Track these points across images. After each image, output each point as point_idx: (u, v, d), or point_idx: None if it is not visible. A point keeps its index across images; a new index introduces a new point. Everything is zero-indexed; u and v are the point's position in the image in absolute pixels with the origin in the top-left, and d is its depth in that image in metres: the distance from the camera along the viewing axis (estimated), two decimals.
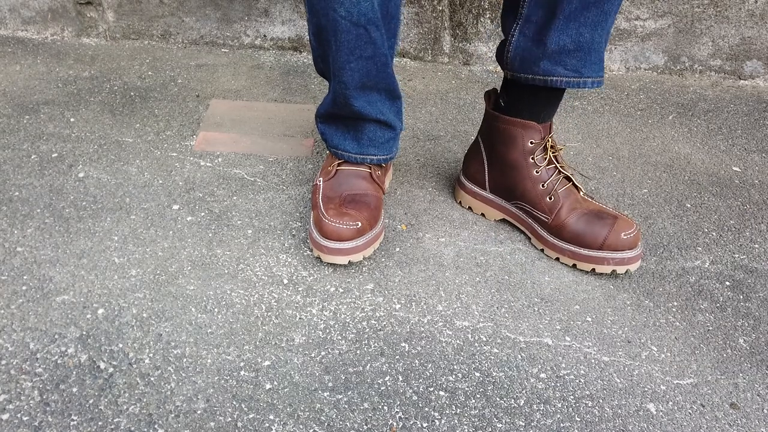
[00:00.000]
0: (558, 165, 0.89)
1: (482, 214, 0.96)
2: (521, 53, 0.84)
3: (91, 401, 0.66)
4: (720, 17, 1.36)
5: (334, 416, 0.67)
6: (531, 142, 0.88)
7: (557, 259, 0.88)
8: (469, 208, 0.97)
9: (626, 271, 0.85)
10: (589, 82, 0.82)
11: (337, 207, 0.84)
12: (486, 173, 0.94)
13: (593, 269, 0.86)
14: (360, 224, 0.82)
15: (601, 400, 0.70)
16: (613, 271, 0.85)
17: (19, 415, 0.64)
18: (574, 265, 0.87)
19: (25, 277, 0.81)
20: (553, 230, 0.88)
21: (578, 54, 0.81)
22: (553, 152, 0.89)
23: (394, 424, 0.66)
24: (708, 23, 1.37)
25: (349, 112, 0.84)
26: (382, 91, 0.85)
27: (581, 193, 0.90)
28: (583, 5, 0.76)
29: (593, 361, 0.75)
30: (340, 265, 0.85)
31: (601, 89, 1.36)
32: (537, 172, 0.89)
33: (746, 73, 1.42)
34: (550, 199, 0.88)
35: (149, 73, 1.33)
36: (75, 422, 0.64)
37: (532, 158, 0.89)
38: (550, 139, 0.89)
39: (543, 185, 0.88)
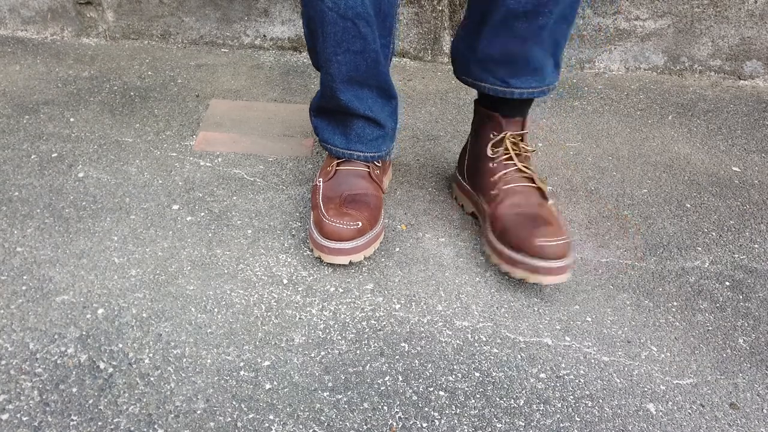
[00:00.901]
0: (519, 163, 0.87)
1: (461, 205, 0.97)
2: (459, 55, 0.87)
3: (90, 401, 0.66)
4: (720, 17, 1.36)
5: (333, 416, 0.67)
6: (493, 134, 0.88)
7: (487, 254, 0.86)
8: (455, 198, 0.99)
9: (538, 283, 0.79)
10: (516, 93, 0.82)
11: (337, 207, 0.84)
12: (465, 162, 0.95)
13: (507, 273, 0.82)
14: (360, 224, 0.82)
15: (600, 400, 0.70)
16: (523, 280, 0.80)
17: (18, 415, 0.64)
18: (498, 266, 0.83)
19: (24, 277, 0.81)
20: (490, 223, 0.86)
21: (506, 65, 0.81)
22: (515, 150, 0.87)
23: (394, 424, 0.66)
24: (708, 23, 1.37)
25: (336, 105, 0.84)
26: (373, 88, 0.85)
27: (549, 200, 0.85)
28: (511, 16, 0.76)
29: (593, 361, 0.75)
30: (341, 265, 0.85)
31: (601, 89, 1.36)
32: (492, 164, 0.88)
33: (746, 73, 1.42)
34: (494, 191, 0.87)
35: (149, 73, 1.33)
36: (75, 422, 0.64)
37: (491, 149, 0.88)
38: (512, 136, 0.87)
39: (493, 177, 0.87)
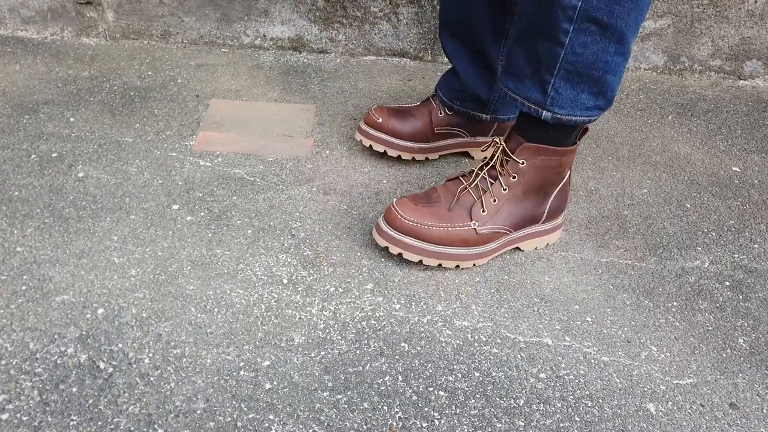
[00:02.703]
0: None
1: None
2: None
3: (90, 401, 0.66)
4: (720, 17, 1.36)
5: (333, 416, 0.67)
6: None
7: None
8: None
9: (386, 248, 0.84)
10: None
11: None
12: None
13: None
14: None
15: (600, 400, 0.70)
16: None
17: (18, 415, 0.64)
18: None
19: (24, 277, 0.81)
20: None
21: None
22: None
23: (394, 423, 0.66)
24: (708, 23, 1.37)
25: None
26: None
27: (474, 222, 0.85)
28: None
29: (593, 361, 0.75)
30: (341, 264, 0.85)
31: None
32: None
33: (746, 73, 1.42)
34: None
35: (149, 73, 1.33)
36: (75, 422, 0.64)
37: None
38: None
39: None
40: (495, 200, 0.85)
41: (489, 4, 0.94)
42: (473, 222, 0.84)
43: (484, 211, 0.84)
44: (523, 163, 0.83)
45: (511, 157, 0.83)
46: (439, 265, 0.84)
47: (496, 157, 0.85)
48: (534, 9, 0.75)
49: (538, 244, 0.90)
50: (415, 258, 0.83)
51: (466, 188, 0.85)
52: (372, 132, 1.04)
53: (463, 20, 0.97)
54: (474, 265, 0.86)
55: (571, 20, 0.72)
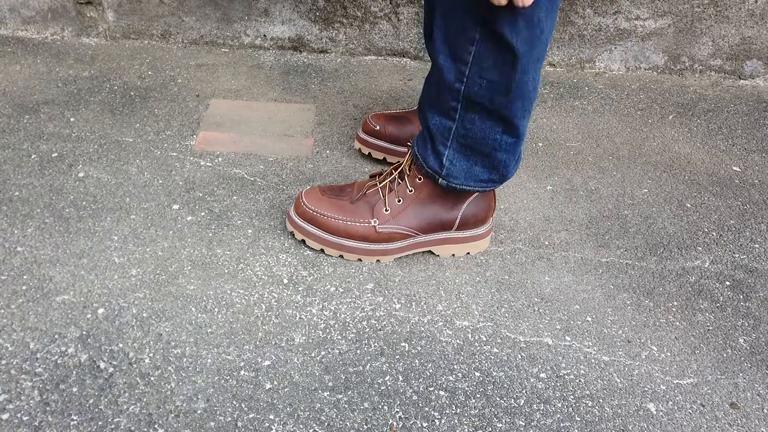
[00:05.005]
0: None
1: None
2: None
3: (91, 401, 0.66)
4: (720, 17, 1.36)
5: (334, 416, 0.67)
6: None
7: None
8: None
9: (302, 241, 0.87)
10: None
11: None
12: None
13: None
14: None
15: (601, 400, 0.70)
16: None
17: (19, 415, 0.64)
18: None
19: (25, 277, 0.81)
20: None
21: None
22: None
23: (394, 423, 0.66)
24: (708, 23, 1.37)
25: None
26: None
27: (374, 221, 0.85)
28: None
29: (593, 361, 0.75)
30: (341, 264, 0.85)
31: (601, 89, 1.36)
32: None
33: (746, 72, 1.42)
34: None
35: (149, 72, 1.33)
36: (75, 422, 0.64)
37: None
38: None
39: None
40: (399, 200, 0.84)
41: None
42: (374, 220, 0.84)
43: (387, 210, 0.84)
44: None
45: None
46: (341, 256, 0.86)
47: (407, 157, 0.86)
48: (430, 85, 0.79)
49: (456, 251, 0.88)
50: (317, 246, 0.86)
51: (375, 185, 0.86)
52: (370, 140, 1.05)
53: None
54: (378, 261, 0.86)
55: (458, 100, 0.75)
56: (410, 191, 0.84)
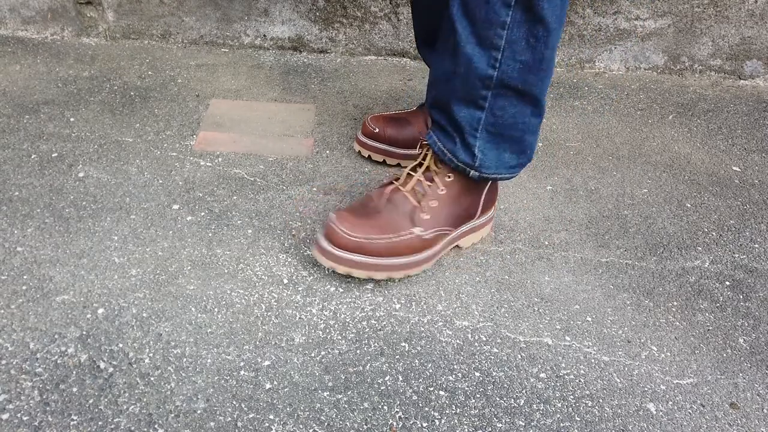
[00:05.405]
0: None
1: None
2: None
3: (91, 401, 0.66)
4: (720, 17, 1.36)
5: (334, 416, 0.67)
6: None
7: None
8: None
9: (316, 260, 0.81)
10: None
11: None
12: None
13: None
14: None
15: (601, 400, 0.70)
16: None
17: (19, 415, 0.64)
18: None
19: (25, 277, 0.81)
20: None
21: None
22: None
23: (394, 423, 0.66)
24: (708, 23, 1.37)
25: None
26: None
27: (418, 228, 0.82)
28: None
29: (593, 361, 0.75)
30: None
31: (601, 89, 1.36)
32: None
33: (746, 73, 1.42)
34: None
35: (149, 72, 1.33)
36: (75, 422, 0.64)
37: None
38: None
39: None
40: (435, 203, 0.83)
41: None
42: (416, 228, 0.81)
43: (426, 216, 0.82)
44: None
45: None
46: (389, 279, 0.82)
47: (429, 157, 0.84)
48: (449, 77, 0.78)
49: (473, 240, 0.89)
50: (364, 275, 0.79)
51: (399, 191, 0.83)
52: (370, 142, 1.05)
53: (437, 29, 0.97)
54: (423, 270, 0.84)
55: (489, 87, 0.75)
56: (442, 191, 0.83)
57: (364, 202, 0.84)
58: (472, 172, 0.81)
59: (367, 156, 1.06)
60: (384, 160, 1.05)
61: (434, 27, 0.96)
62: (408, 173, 0.85)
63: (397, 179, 0.86)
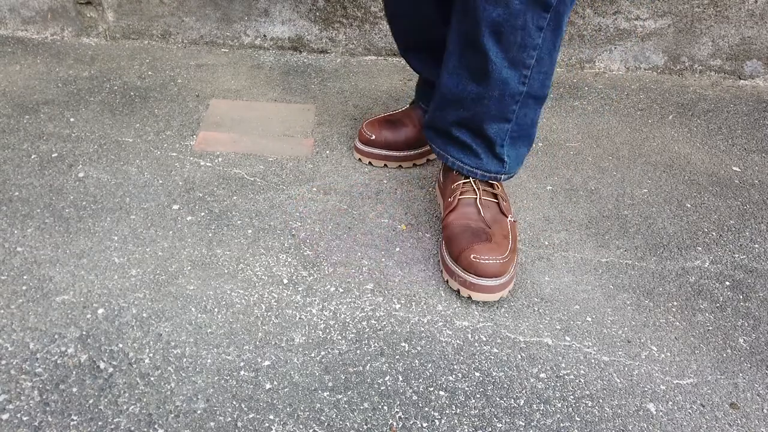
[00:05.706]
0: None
1: (440, 205, 0.98)
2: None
3: (91, 401, 0.66)
4: (720, 17, 1.36)
5: (334, 416, 0.67)
6: None
7: (439, 260, 0.87)
8: (436, 197, 1.01)
9: (469, 297, 0.79)
10: (450, 161, 0.90)
11: None
12: (441, 165, 0.99)
13: (447, 281, 0.83)
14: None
15: (601, 400, 0.70)
16: (458, 291, 0.80)
17: (19, 415, 0.64)
18: (442, 274, 0.84)
19: (25, 277, 0.81)
20: (442, 230, 0.87)
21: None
22: None
23: (394, 423, 0.66)
24: (708, 23, 1.37)
25: None
26: None
27: (508, 216, 0.86)
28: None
29: (593, 361, 0.75)
30: (341, 265, 0.85)
31: (601, 89, 1.36)
32: (454, 172, 0.90)
33: (746, 73, 1.42)
34: (450, 199, 0.88)
35: (149, 73, 1.33)
36: (75, 422, 0.64)
37: None
38: None
39: (453, 185, 0.89)
40: (504, 201, 0.88)
41: (442, 21, 0.90)
42: (509, 218, 0.87)
43: (511, 217, 0.87)
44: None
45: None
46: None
47: (455, 191, 0.88)
48: (477, 99, 0.80)
49: None
50: (494, 298, 0.80)
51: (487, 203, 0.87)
52: (368, 149, 1.05)
53: (420, 40, 0.97)
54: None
55: (518, 102, 0.80)
56: (494, 200, 0.87)
57: (479, 229, 0.83)
58: (503, 176, 0.86)
59: (368, 163, 1.06)
60: (385, 165, 1.06)
61: (421, 38, 0.96)
62: (457, 200, 0.87)
63: (453, 205, 0.87)
